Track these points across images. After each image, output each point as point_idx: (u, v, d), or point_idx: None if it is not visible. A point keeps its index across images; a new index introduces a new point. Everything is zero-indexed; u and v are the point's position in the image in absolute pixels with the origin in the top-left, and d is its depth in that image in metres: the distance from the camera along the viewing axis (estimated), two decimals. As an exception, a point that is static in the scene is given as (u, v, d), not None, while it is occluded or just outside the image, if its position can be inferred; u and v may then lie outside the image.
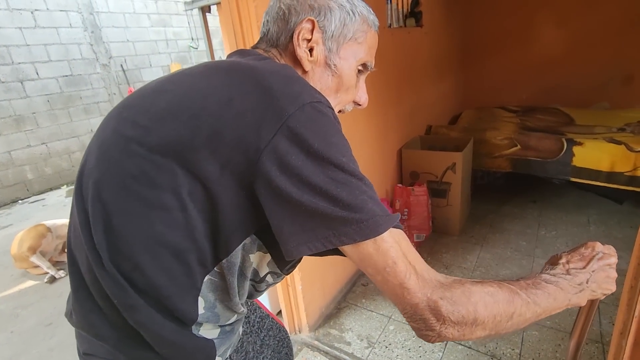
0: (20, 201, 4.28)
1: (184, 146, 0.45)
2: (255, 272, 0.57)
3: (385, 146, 2.25)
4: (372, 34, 0.61)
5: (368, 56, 0.61)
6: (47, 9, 4.35)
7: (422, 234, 2.33)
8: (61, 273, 2.49)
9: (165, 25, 5.67)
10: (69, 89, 4.63)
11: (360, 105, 0.67)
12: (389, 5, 2.15)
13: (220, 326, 0.58)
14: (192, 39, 5.87)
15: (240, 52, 0.59)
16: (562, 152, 2.38)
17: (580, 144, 2.33)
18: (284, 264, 0.58)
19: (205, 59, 6.01)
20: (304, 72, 0.58)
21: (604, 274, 0.54)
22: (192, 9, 5.04)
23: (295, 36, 0.55)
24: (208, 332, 0.56)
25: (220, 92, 0.46)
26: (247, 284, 0.57)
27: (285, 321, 1.73)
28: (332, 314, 1.85)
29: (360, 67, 0.61)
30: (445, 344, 1.59)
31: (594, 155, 2.27)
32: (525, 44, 3.32)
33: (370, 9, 0.61)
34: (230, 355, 0.67)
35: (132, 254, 0.48)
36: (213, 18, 4.47)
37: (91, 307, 0.53)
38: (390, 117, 2.24)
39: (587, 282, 0.53)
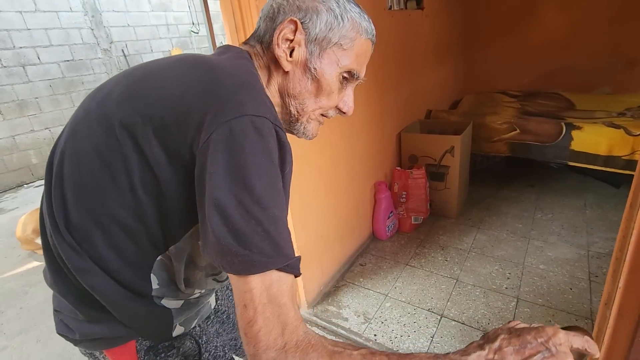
0: (25, 185, 4.34)
1: (137, 131, 0.47)
2: (212, 266, 0.57)
3: (385, 130, 2.27)
4: (363, 41, 0.58)
5: (354, 64, 0.58)
6: (47, -8, 4.32)
7: (420, 216, 2.37)
8: (67, 253, 2.55)
9: (165, 9, 5.62)
10: (70, 74, 4.64)
11: (344, 113, 0.64)
12: (389, -13, 2.14)
13: (184, 299, 0.60)
14: (193, 24, 5.82)
15: (225, 48, 0.60)
16: (561, 136, 2.38)
17: (579, 128, 2.33)
18: None
19: (206, 43, 5.97)
20: (285, 72, 0.57)
21: None
22: (192, -7, 4.99)
23: (275, 35, 0.55)
24: (170, 302, 0.58)
25: (177, 86, 0.48)
26: (199, 274, 0.57)
27: (284, 298, 1.78)
28: (331, 291, 1.90)
29: (345, 75, 0.59)
30: (440, 319, 1.64)
31: (592, 139, 2.28)
32: (526, 28, 3.28)
33: (366, 17, 0.58)
34: (201, 325, 0.68)
35: (83, 226, 0.50)
36: (214, 2, 4.43)
37: (55, 267, 0.56)
38: (389, 101, 2.25)
39: None
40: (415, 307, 1.74)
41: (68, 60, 4.59)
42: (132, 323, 0.56)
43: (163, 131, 0.46)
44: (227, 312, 0.81)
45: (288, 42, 0.55)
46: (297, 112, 0.60)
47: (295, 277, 0.46)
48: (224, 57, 0.55)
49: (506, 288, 1.80)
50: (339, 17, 0.55)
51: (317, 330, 1.67)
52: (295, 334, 0.42)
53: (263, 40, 0.58)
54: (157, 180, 0.47)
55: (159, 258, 0.53)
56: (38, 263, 2.53)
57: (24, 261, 2.57)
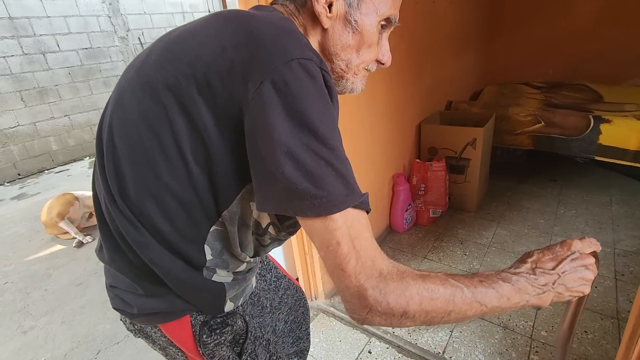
0: (46, 171, 4.45)
1: (181, 93, 0.46)
2: (257, 224, 0.58)
3: (405, 120, 2.23)
4: None
5: (392, 9, 0.57)
6: (66, -21, 4.35)
7: (439, 209, 2.33)
8: (88, 238, 2.62)
9: (181, -3, 5.60)
10: (88, 62, 4.69)
11: (383, 64, 0.63)
12: (414, -28, 2.07)
13: (233, 273, 0.62)
14: (209, 12, 5.78)
15: (257, 7, 0.58)
16: (589, 130, 2.30)
17: (608, 121, 2.24)
18: (282, 219, 0.58)
19: (221, 32, 5.95)
20: (323, 29, 0.56)
21: (577, 276, 0.51)
22: (208, -20, 4.95)
23: None
24: (221, 278, 0.60)
25: (215, 41, 0.47)
26: (250, 236, 0.58)
27: (302, 288, 1.79)
28: (348, 283, 1.90)
29: (383, 22, 0.57)
30: (459, 314, 1.62)
31: (622, 133, 2.19)
32: (553, 16, 3.15)
33: None
34: (243, 305, 0.70)
35: (139, 199, 0.51)
36: (230, -11, 4.40)
37: (112, 243, 0.57)
38: (411, 90, 2.20)
39: (553, 284, 0.50)
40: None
41: (86, 48, 4.64)
42: (189, 296, 0.57)
43: (208, 89, 0.45)
44: (258, 295, 0.82)
45: None
46: (342, 69, 0.59)
47: (367, 213, 0.47)
48: (259, 13, 0.54)
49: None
50: None
51: (334, 321, 1.67)
52: (385, 262, 0.45)
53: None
54: (206, 147, 0.46)
55: (212, 229, 0.53)
56: (61, 247, 2.60)
57: (47, 245, 2.65)
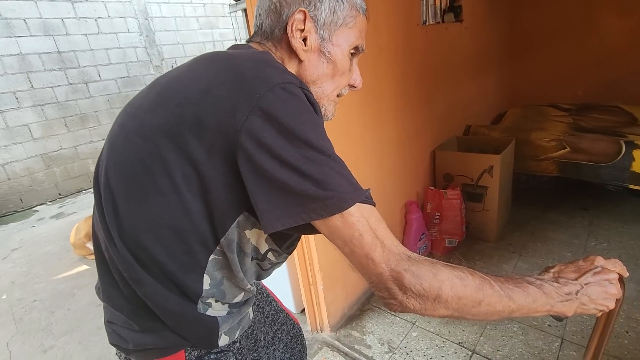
0: (84, 191, 4.76)
1: (171, 132, 0.49)
2: (256, 250, 0.60)
3: (417, 147, 2.19)
4: (361, 17, 0.62)
5: (359, 39, 0.63)
6: (109, 16, 4.76)
7: (455, 239, 2.24)
8: (112, 259, 2.74)
9: (212, 27, 5.94)
10: (126, 89, 5.04)
11: (355, 87, 0.68)
12: (424, 2, 2.08)
13: (229, 305, 0.63)
14: (236, 40, 6.08)
15: (234, 47, 0.63)
16: (620, 156, 2.14)
17: (641, 147, 2.09)
18: (281, 242, 0.61)
19: (248, 58, 6.20)
20: (300, 61, 0.60)
21: (601, 289, 0.52)
22: (235, 11, 5.23)
23: (289, 28, 0.57)
24: (216, 311, 0.61)
25: (200, 82, 0.50)
26: (249, 262, 0.60)
27: (307, 319, 1.76)
28: (355, 315, 1.85)
29: (352, 51, 0.63)
30: (471, 356, 1.52)
31: (657, 160, 2.02)
32: (582, 34, 3.02)
33: None
34: (239, 339, 0.70)
35: (135, 233, 0.53)
36: (255, 19, 4.60)
37: (109, 281, 0.60)
38: (423, 117, 2.17)
39: (576, 294, 0.51)
40: (445, 340, 1.63)
41: (124, 77, 5.00)
42: (182, 330, 0.58)
43: (197, 127, 0.47)
44: (252, 327, 0.82)
45: (300, 32, 0.58)
46: (318, 95, 0.63)
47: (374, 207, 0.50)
48: (237, 51, 0.58)
49: (549, 326, 1.63)
50: (339, 0, 0.59)
51: (338, 357, 1.62)
52: (409, 250, 0.48)
53: (272, 35, 0.60)
54: (199, 176, 0.49)
55: (211, 257, 0.55)
56: (87, 267, 2.74)
57: (75, 264, 2.80)
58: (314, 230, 0.51)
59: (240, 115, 0.45)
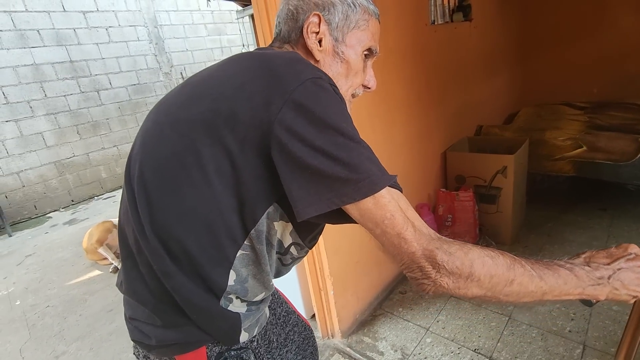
0: (95, 197, 4.83)
1: (207, 126, 0.51)
2: (280, 243, 0.62)
3: (428, 148, 2.15)
4: (374, 21, 0.65)
5: (372, 41, 0.65)
6: (119, 25, 4.84)
7: (468, 241, 2.18)
8: (123, 264, 2.76)
9: (220, 33, 6.00)
10: (136, 97, 5.11)
11: (369, 88, 0.71)
12: (432, 1, 2.05)
13: (248, 303, 0.64)
14: (244, 45, 6.13)
15: (259, 49, 0.66)
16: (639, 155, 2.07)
17: (662, 144, 2.01)
18: (305, 234, 0.63)
19: (256, 63, 6.25)
20: (316, 61, 0.63)
21: (634, 275, 0.52)
22: (243, 17, 5.28)
23: (304, 30, 0.62)
24: (237, 308, 0.62)
25: (234, 78, 0.53)
26: (274, 255, 0.62)
27: (318, 325, 1.73)
28: (367, 320, 1.81)
29: (366, 52, 0.65)
30: (487, 364, 1.47)
31: (680, 157, 1.95)
32: (596, 31, 2.95)
33: (371, 1, 0.66)
34: (256, 338, 0.71)
35: (168, 225, 0.55)
36: (262, 24, 4.63)
37: (135, 275, 0.61)
38: (433, 117, 2.13)
39: (608, 278, 0.51)
40: (460, 346, 1.58)
41: (134, 84, 5.07)
42: (206, 325, 0.59)
43: (232, 120, 0.50)
44: (265, 328, 0.82)
45: (315, 34, 0.62)
46: None
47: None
48: (267, 51, 0.61)
49: (569, 331, 1.57)
50: (352, 4, 0.62)
51: (350, 363, 1.59)
52: (433, 230, 0.49)
53: (290, 39, 0.65)
54: (232, 168, 0.51)
55: (239, 253, 0.56)
56: (99, 272, 2.76)
57: (87, 270, 2.82)
58: (344, 219, 0.52)
59: (274, 107, 0.47)
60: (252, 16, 5.14)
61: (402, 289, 1.99)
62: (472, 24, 2.40)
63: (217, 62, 0.61)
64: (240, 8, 5.06)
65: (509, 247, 2.22)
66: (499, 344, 1.56)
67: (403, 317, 1.80)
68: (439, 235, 0.49)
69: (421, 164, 2.11)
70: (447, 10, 2.25)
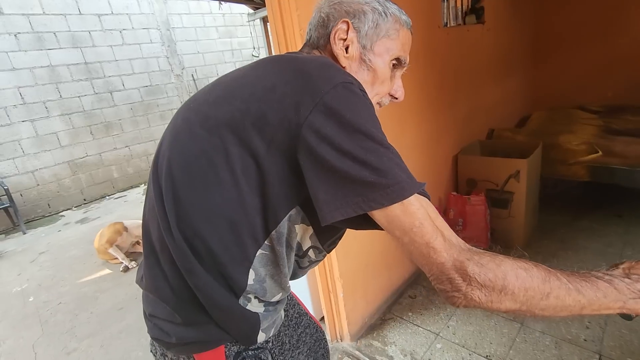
0: (107, 197, 4.89)
1: (236, 126, 0.51)
2: (299, 246, 0.61)
3: (439, 151, 2.13)
4: (405, 32, 0.65)
5: (401, 51, 0.65)
6: (132, 27, 4.92)
7: (480, 246, 2.15)
8: (133, 264, 2.79)
9: (231, 36, 6.06)
10: (148, 98, 5.18)
11: (396, 98, 0.70)
12: (445, 4, 2.04)
13: (265, 303, 0.64)
14: (254, 48, 6.18)
15: (289, 53, 0.68)
16: (657, 160, 2.02)
17: (681, 150, 1.96)
18: (324, 238, 0.62)
19: (266, 66, 6.28)
20: (342, 67, 0.62)
21: None
22: (254, 20, 5.32)
23: (332, 36, 0.62)
24: (255, 307, 0.62)
25: (265, 80, 0.53)
26: (293, 257, 0.61)
27: (327, 328, 1.72)
28: (376, 324, 1.80)
29: (394, 62, 0.65)
30: (499, 371, 1.44)
31: (700, 163, 1.90)
32: (610, 34, 2.90)
33: (403, 11, 0.66)
34: (271, 339, 0.71)
35: (194, 222, 0.55)
36: (273, 27, 4.66)
37: (157, 272, 0.61)
38: (444, 120, 2.11)
39: None
40: (471, 352, 1.55)
41: (146, 86, 5.14)
42: (226, 323, 0.59)
43: (260, 121, 0.50)
44: (278, 330, 0.82)
45: (342, 41, 0.62)
46: None
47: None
48: (299, 55, 0.61)
49: (584, 340, 1.53)
50: (383, 14, 0.62)
51: (359, 367, 1.57)
52: (463, 241, 0.48)
53: (319, 45, 0.65)
54: (258, 169, 0.51)
55: (259, 252, 0.56)
56: (109, 271, 2.79)
57: (98, 268, 2.86)
58: (368, 224, 0.51)
59: (304, 110, 0.47)
60: (263, 19, 5.18)
61: (412, 293, 1.97)
62: (485, 27, 2.38)
63: (249, 63, 0.62)
64: (251, 11, 5.11)
65: (521, 252, 2.19)
66: (511, 352, 1.53)
67: (413, 322, 1.78)
68: (469, 246, 0.48)
69: (432, 167, 2.09)
70: (459, 13, 2.24)
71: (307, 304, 1.78)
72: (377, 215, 0.48)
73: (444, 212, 2.18)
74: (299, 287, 1.75)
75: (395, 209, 0.46)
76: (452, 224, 2.16)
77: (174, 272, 0.58)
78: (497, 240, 2.25)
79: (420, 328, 1.73)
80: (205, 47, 5.74)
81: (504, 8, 2.66)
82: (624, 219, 2.38)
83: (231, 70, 0.65)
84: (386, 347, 1.65)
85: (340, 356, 1.64)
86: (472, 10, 2.32)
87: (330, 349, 1.66)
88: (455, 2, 2.19)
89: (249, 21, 5.56)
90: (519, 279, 0.45)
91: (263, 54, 6.13)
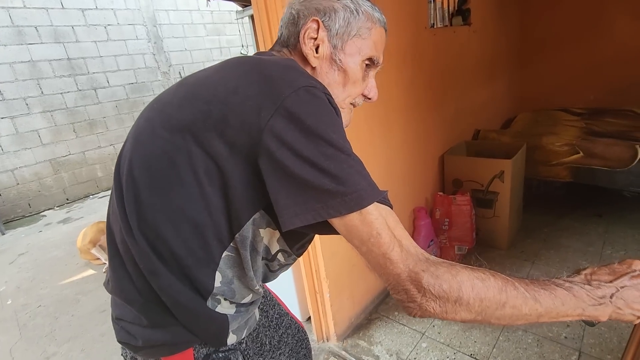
0: (91, 196, 4.79)
1: (197, 127, 0.50)
2: (267, 250, 0.60)
3: (426, 152, 2.15)
4: (378, 30, 0.63)
5: (373, 51, 0.63)
6: (118, 23, 4.81)
7: (465, 246, 2.18)
8: (117, 264, 2.73)
9: (219, 33, 5.99)
10: (133, 95, 5.08)
11: (370, 99, 0.69)
12: (431, 5, 2.05)
13: (237, 305, 0.63)
14: (243, 46, 6.12)
15: (258, 54, 0.65)
16: (636, 161, 2.08)
17: (658, 151, 2.02)
18: (292, 242, 0.62)
19: (255, 64, 6.24)
20: (312, 68, 0.61)
21: (638, 294, 0.49)
22: (242, 18, 5.27)
23: (301, 35, 0.60)
24: (225, 309, 0.61)
25: (229, 82, 0.52)
26: (260, 261, 0.60)
27: (313, 328, 1.71)
28: (362, 324, 1.80)
29: (367, 62, 0.64)
30: (483, 369, 1.46)
31: (676, 165, 1.96)
32: (593, 37, 2.97)
33: (376, 7, 0.63)
34: (245, 340, 0.70)
35: (155, 224, 0.54)
36: (262, 25, 4.62)
37: (122, 274, 0.60)
38: (431, 121, 2.13)
39: (611, 297, 0.49)
40: (456, 351, 1.57)
41: (132, 83, 5.04)
42: (193, 325, 0.58)
43: (222, 123, 0.49)
44: (257, 331, 0.82)
45: (312, 40, 0.60)
46: None
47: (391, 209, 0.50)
48: (264, 57, 0.59)
49: (565, 338, 1.57)
50: (355, 11, 0.60)
51: (345, 367, 1.57)
52: (422, 250, 0.48)
53: (289, 44, 0.63)
54: (220, 171, 0.50)
55: (224, 254, 0.55)
56: (92, 272, 2.73)
57: (80, 269, 2.79)
58: (330, 230, 0.50)
59: (265, 114, 0.46)
60: (251, 17, 5.14)
61: (398, 293, 1.98)
62: (471, 29, 2.41)
63: (215, 64, 0.60)
64: (240, 8, 5.06)
65: (505, 252, 2.22)
66: (494, 350, 1.55)
67: (399, 322, 1.79)
68: (427, 255, 0.47)
69: (419, 167, 2.10)
70: (446, 14, 2.26)
71: (294, 305, 1.78)
72: (336, 223, 0.47)
73: (430, 212, 2.20)
74: (285, 288, 1.74)
75: (354, 217, 0.46)
76: (438, 224, 2.18)
77: (138, 274, 0.57)
78: (482, 240, 2.28)
79: (406, 327, 1.74)
80: (193, 44, 5.66)
81: (490, 10, 2.69)
82: (604, 218, 2.44)
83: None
84: (372, 347, 1.66)
85: (326, 356, 1.64)
86: (459, 12, 2.34)
87: (316, 349, 1.66)
88: (442, 3, 2.20)
89: (237, 19, 5.50)
90: (474, 290, 0.45)
91: (251, 52, 6.08)
